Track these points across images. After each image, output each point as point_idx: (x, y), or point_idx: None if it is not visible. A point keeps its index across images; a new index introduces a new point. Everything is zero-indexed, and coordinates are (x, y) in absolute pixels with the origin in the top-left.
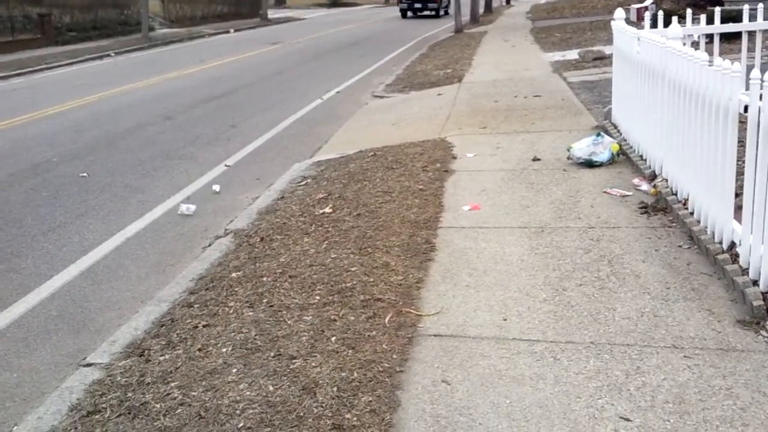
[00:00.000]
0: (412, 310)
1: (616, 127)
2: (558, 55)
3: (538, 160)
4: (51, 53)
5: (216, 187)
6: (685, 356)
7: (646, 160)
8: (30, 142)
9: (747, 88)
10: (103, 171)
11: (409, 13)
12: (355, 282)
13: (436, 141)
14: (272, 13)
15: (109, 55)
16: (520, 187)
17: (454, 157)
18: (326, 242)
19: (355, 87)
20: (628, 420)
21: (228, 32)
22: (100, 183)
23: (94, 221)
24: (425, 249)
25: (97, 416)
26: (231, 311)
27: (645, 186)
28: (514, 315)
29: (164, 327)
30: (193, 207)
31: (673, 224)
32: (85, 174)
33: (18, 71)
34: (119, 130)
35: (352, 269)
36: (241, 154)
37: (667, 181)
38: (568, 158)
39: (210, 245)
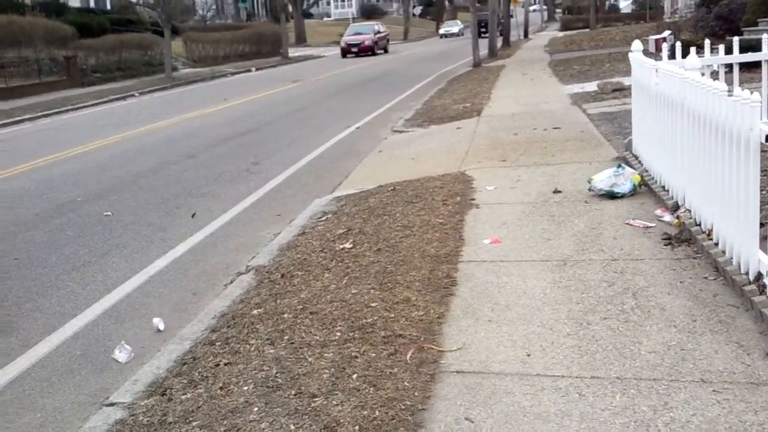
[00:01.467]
0: (433, 346)
1: (637, 158)
2: (577, 87)
3: (559, 192)
4: (76, 94)
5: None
6: (714, 391)
7: (668, 190)
8: (55, 182)
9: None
10: (127, 210)
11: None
12: (375, 318)
13: (456, 174)
14: (293, 52)
15: (133, 95)
16: (541, 219)
17: (474, 191)
18: (347, 278)
19: (374, 122)
20: None
21: (250, 71)
22: (124, 222)
23: (117, 260)
24: (446, 283)
25: None
26: (252, 349)
27: (668, 217)
28: (538, 350)
29: (186, 365)
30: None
31: (698, 255)
32: (109, 213)
33: (44, 112)
34: (142, 169)
35: (373, 305)
36: (262, 190)
37: (690, 211)
38: (590, 190)
39: (232, 282)
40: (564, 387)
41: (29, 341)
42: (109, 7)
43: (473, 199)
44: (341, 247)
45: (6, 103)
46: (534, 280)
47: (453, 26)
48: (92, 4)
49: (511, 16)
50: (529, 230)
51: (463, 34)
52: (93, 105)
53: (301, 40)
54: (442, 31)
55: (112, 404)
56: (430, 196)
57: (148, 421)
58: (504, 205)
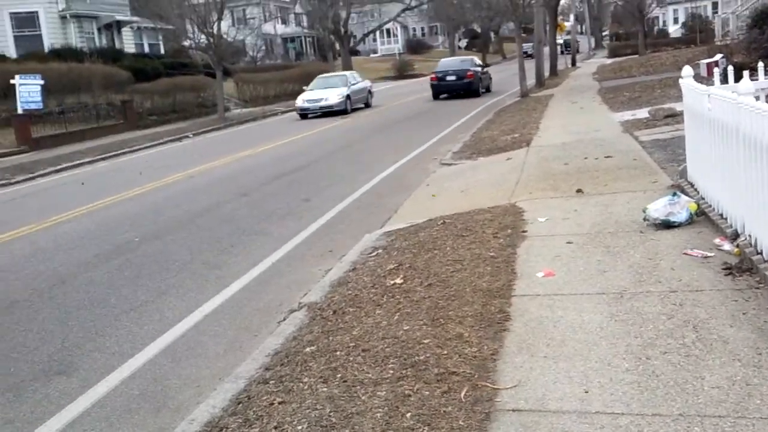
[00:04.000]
0: (488, 384)
1: (692, 186)
2: (628, 115)
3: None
4: (133, 137)
5: None
6: None
7: (726, 218)
8: (113, 223)
9: None
10: (183, 249)
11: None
12: (428, 354)
13: (507, 207)
14: None
15: (187, 137)
16: (595, 251)
17: (526, 222)
18: (398, 314)
19: (422, 156)
20: None
21: None
22: (180, 261)
23: (173, 299)
24: (499, 318)
25: None
26: (305, 387)
27: (727, 246)
28: (596, 386)
29: (241, 404)
30: None
31: (761, 285)
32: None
33: (103, 155)
34: (197, 208)
35: (425, 341)
36: (313, 227)
37: (750, 239)
38: (645, 219)
39: (285, 319)
40: (624, 425)
41: (89, 381)
42: (162, 51)
43: (525, 231)
44: (392, 282)
45: (66, 147)
46: (590, 313)
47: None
48: (146, 49)
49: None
50: (584, 262)
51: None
52: (149, 147)
53: None
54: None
55: None
56: (480, 228)
57: None
58: (556, 236)
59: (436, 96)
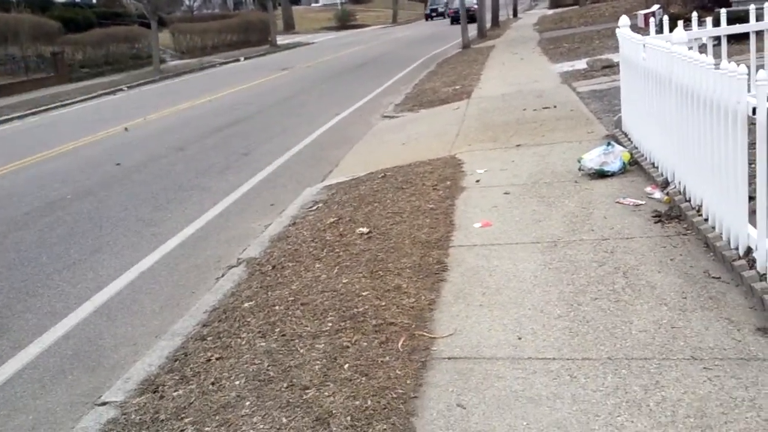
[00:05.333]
0: (425, 333)
1: (626, 136)
2: (566, 66)
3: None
4: (65, 90)
5: None
6: (705, 368)
7: (658, 167)
8: (45, 180)
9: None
10: (117, 206)
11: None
12: (367, 307)
13: (447, 159)
14: (281, 39)
15: (121, 90)
16: (531, 201)
17: (465, 174)
18: (337, 267)
19: (364, 108)
20: None
21: (239, 60)
22: (114, 218)
23: (108, 257)
24: (437, 269)
25: None
26: (244, 342)
27: (658, 194)
28: (529, 333)
29: (178, 362)
30: None
31: (688, 232)
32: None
33: (33, 110)
34: (132, 163)
35: (364, 293)
36: (253, 181)
37: (680, 188)
38: (580, 170)
39: (223, 276)
40: (555, 369)
41: (20, 342)
42: (94, 0)
43: (463, 183)
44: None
45: None
46: (525, 262)
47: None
48: None
49: None
50: (520, 212)
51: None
52: (82, 101)
53: (289, 28)
54: (427, 11)
55: (104, 403)
56: (420, 181)
57: (140, 419)
58: (494, 187)
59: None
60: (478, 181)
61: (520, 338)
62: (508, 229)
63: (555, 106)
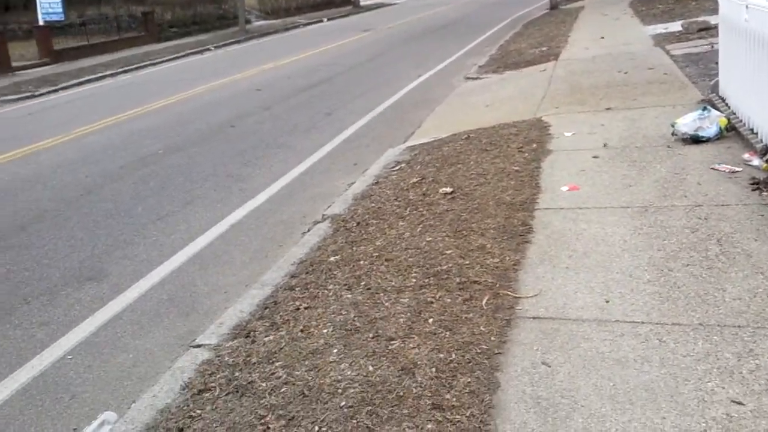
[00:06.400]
0: (509, 293)
1: (723, 101)
2: (660, 28)
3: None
4: (154, 50)
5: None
6: None
7: (757, 133)
8: (138, 136)
9: None
10: (207, 161)
11: None
12: (450, 265)
13: (532, 121)
14: (363, 0)
15: (208, 49)
16: (621, 165)
17: (551, 137)
18: (421, 226)
19: (447, 70)
20: (740, 404)
21: (322, 21)
22: (204, 173)
23: (199, 209)
24: (522, 231)
25: (207, 394)
26: (330, 294)
27: (756, 161)
28: (617, 297)
29: (268, 309)
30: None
31: None
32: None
33: (125, 68)
34: (220, 121)
35: (448, 252)
36: (336, 141)
37: None
38: (673, 134)
39: (309, 231)
40: (644, 333)
41: (119, 287)
42: None
43: (550, 146)
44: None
45: (88, 60)
46: (613, 227)
47: None
48: None
49: None
50: (609, 177)
51: None
52: (171, 60)
53: None
54: None
55: (198, 346)
56: (505, 143)
57: (233, 361)
58: (582, 151)
59: None
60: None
61: (607, 301)
62: (596, 193)
63: (648, 69)
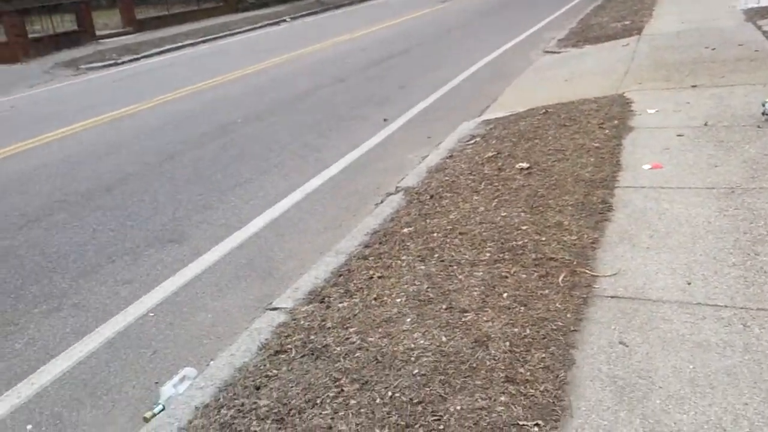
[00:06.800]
0: (587, 271)
1: None
2: (752, 2)
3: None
4: (232, 20)
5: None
6: None
7: None
8: (217, 104)
9: None
10: (284, 131)
11: None
12: (526, 240)
13: (614, 97)
14: None
15: (284, 20)
16: (707, 145)
17: (634, 114)
18: (496, 200)
19: (525, 43)
20: None
21: None
22: (281, 142)
23: (276, 178)
24: (601, 209)
25: (283, 355)
26: (404, 264)
27: None
28: (699, 279)
29: (342, 277)
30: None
31: None
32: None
33: (204, 38)
34: (297, 92)
35: (523, 228)
36: (410, 113)
37: None
38: (763, 114)
39: (382, 202)
40: (727, 317)
41: (199, 250)
42: None
43: (632, 123)
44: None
45: (168, 29)
46: (697, 207)
47: None
48: None
49: None
50: (694, 156)
51: None
52: (248, 30)
53: None
54: None
55: (275, 309)
56: (584, 119)
57: (308, 325)
58: (666, 129)
59: None
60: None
61: (689, 283)
62: (680, 173)
63: (738, 46)
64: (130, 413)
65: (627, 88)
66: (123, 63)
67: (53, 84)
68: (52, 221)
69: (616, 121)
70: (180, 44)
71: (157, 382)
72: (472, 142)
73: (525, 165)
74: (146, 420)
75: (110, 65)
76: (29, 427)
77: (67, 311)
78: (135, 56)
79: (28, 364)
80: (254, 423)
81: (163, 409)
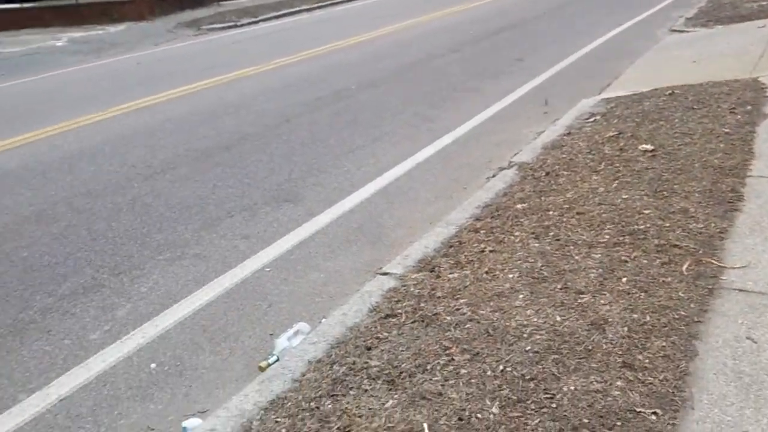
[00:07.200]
0: (713, 261)
1: None
2: None
3: None
4: None
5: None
6: None
7: None
8: (333, 70)
9: None
10: (396, 99)
11: None
12: (648, 225)
13: (747, 81)
14: None
15: None
16: None
17: None
18: (616, 182)
19: (649, 21)
20: None
21: None
22: (393, 110)
23: (387, 146)
24: (731, 198)
25: (393, 320)
26: (517, 240)
27: None
28: None
29: (452, 248)
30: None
31: None
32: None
33: (320, 4)
34: (411, 60)
35: (646, 212)
36: (526, 87)
37: None
38: None
39: (494, 176)
40: None
41: (313, 211)
42: None
43: (767, 109)
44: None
45: None
46: None
47: None
48: None
49: None
50: None
51: None
52: None
53: None
54: None
55: (385, 274)
56: (714, 102)
57: (418, 292)
58: None
59: None
60: None
61: None
62: None
63: None
64: (246, 361)
65: (762, 72)
66: (242, 25)
67: (176, 43)
68: (176, 174)
69: (749, 107)
70: (297, 9)
71: (272, 334)
72: (592, 120)
73: (649, 147)
74: (261, 369)
75: (230, 27)
76: (153, 365)
77: (189, 260)
78: (253, 19)
79: (153, 307)
80: (365, 382)
81: (277, 360)
